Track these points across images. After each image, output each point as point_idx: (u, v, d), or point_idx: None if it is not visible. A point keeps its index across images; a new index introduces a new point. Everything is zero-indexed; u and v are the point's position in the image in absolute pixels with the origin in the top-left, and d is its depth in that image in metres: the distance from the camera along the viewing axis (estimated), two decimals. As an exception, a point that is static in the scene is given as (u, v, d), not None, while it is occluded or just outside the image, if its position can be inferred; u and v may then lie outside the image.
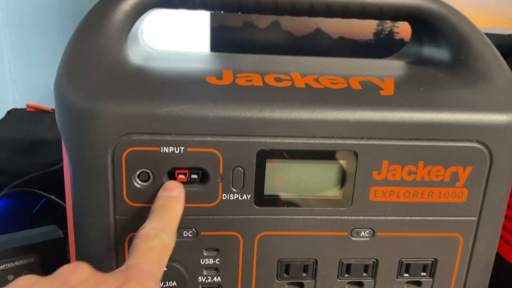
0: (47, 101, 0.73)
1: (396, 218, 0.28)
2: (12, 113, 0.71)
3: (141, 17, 0.30)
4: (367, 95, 0.27)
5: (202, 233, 0.27)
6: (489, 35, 0.40)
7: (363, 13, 0.32)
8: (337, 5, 0.31)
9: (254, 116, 0.25)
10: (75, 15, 0.74)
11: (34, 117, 0.70)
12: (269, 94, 0.26)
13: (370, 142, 0.26)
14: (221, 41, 0.62)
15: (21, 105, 0.75)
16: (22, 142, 0.62)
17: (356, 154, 0.26)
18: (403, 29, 0.62)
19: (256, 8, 0.31)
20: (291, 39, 0.62)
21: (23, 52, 0.75)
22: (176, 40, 0.62)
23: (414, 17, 0.32)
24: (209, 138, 0.25)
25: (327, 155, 0.26)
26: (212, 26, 0.61)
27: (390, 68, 0.34)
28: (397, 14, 0.32)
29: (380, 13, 0.32)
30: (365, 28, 0.62)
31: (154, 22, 0.60)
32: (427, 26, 0.33)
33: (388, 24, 0.63)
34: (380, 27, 0.62)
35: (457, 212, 0.28)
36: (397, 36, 0.63)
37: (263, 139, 0.26)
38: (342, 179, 0.27)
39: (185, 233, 0.27)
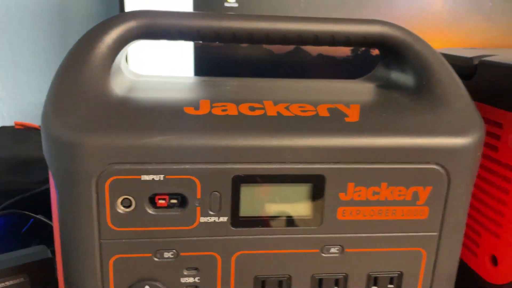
0: (36, 119, 0.75)
1: (363, 235, 0.30)
2: (0, 131, 0.72)
3: (124, 48, 0.32)
4: (333, 122, 0.29)
5: (182, 253, 0.29)
6: (453, 57, 0.43)
7: (333, 41, 0.35)
8: (308, 34, 0.34)
9: (229, 144, 0.27)
10: (63, 34, 0.76)
11: (22, 134, 0.72)
12: (242, 123, 0.28)
13: (336, 166, 0.28)
14: (204, 58, 0.64)
15: (9, 123, 0.76)
16: (11, 160, 0.63)
17: (324, 178, 0.28)
18: (380, 46, 0.65)
19: (233, 39, 0.33)
20: (272, 56, 0.64)
21: (11, 70, 0.76)
22: (160, 58, 0.63)
23: (381, 44, 0.35)
24: (187, 166, 0.27)
25: (297, 179, 0.28)
26: (195, 44, 0.63)
27: (359, 92, 0.36)
28: (364, 42, 0.35)
29: (348, 41, 0.35)
30: (343, 45, 0.65)
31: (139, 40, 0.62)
32: (393, 52, 0.35)
33: (365, 41, 0.65)
34: (357, 44, 0.65)
35: (420, 228, 0.30)
36: (374, 53, 0.65)
37: (237, 166, 0.28)
38: (312, 201, 0.29)
39: (166, 254, 0.28)
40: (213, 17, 0.32)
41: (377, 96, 0.35)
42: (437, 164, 0.29)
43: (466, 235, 0.40)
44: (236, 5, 0.62)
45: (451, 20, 0.64)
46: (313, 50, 0.64)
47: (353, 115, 0.30)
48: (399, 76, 0.36)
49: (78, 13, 0.75)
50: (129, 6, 0.60)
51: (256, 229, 0.29)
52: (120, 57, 0.33)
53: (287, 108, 0.30)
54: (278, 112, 0.30)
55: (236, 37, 0.33)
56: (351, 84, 0.39)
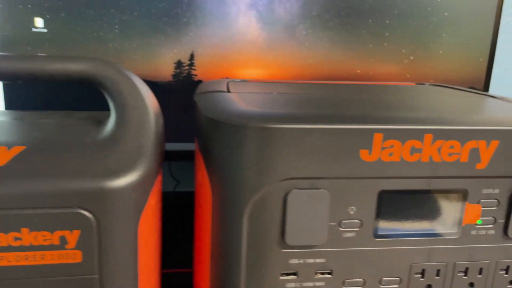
0: None
1: (13, 280, 0.30)
2: None
3: None
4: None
5: None
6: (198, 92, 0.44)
7: (35, 78, 0.34)
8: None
9: None
10: None
11: None
12: None
13: (-33, 213, 0.28)
14: (14, 92, 0.63)
15: None
16: None
17: (-46, 225, 0.28)
18: (201, 72, 0.66)
19: None
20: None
21: None
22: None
23: (87, 81, 0.35)
24: None
25: None
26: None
27: (65, 128, 0.36)
28: (70, 79, 0.35)
29: (52, 78, 0.35)
30: (164, 70, 0.65)
31: None
32: (102, 89, 0.35)
33: (185, 67, 0.66)
34: (178, 70, 0.66)
35: (76, 271, 0.30)
36: (196, 78, 0.66)
37: None
38: None
39: None
40: None
41: (70, 135, 0.35)
42: (81, 208, 0.29)
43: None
44: (45, 30, 0.62)
45: (268, 47, 0.66)
46: (137, 74, 0.64)
47: (1, 160, 0.30)
48: (112, 114, 0.36)
49: None
50: None
51: None
52: None
53: None
54: None
55: None
56: (87, 120, 0.39)
